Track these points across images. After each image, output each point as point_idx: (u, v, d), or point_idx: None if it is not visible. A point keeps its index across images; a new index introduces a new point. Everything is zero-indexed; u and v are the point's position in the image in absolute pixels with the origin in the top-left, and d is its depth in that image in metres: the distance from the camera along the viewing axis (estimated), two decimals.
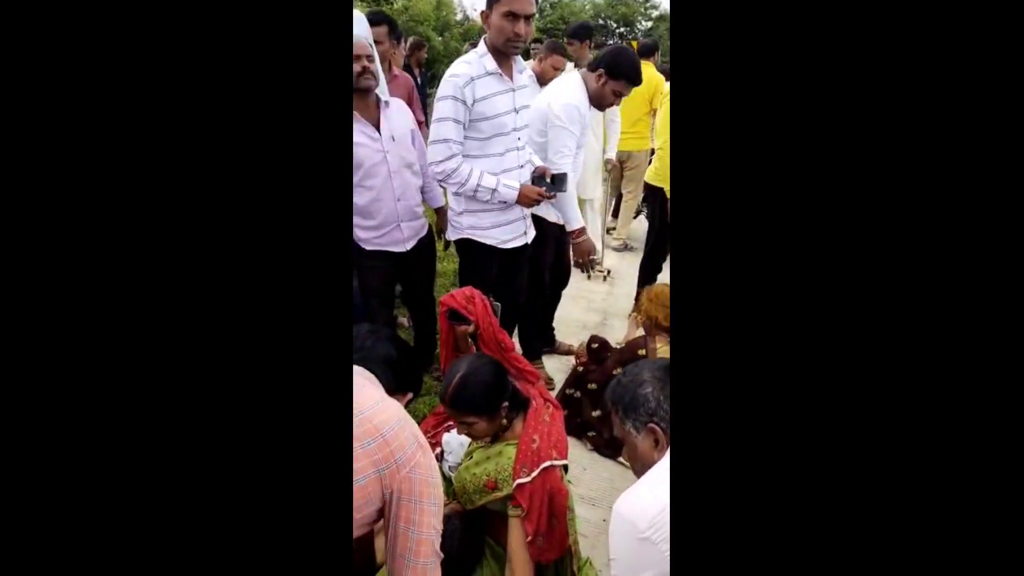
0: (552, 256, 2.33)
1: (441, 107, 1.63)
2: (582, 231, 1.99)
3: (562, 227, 2.27)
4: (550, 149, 1.96)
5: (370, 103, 1.82)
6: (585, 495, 1.82)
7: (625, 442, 1.02)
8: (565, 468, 1.42)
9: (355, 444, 0.85)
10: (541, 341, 2.53)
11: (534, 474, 1.28)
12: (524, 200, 1.76)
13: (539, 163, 1.89)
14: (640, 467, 0.99)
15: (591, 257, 2.05)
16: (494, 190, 1.72)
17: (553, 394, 2.02)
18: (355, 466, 0.85)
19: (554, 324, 2.65)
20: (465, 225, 1.85)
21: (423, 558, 0.90)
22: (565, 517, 1.32)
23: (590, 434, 2.02)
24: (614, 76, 1.93)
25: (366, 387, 0.96)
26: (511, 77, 1.70)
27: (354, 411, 0.88)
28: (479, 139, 1.70)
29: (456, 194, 1.81)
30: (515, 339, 2.46)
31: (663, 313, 1.87)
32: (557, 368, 2.47)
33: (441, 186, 1.99)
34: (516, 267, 2.01)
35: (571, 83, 2.01)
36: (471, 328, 1.55)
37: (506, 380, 1.37)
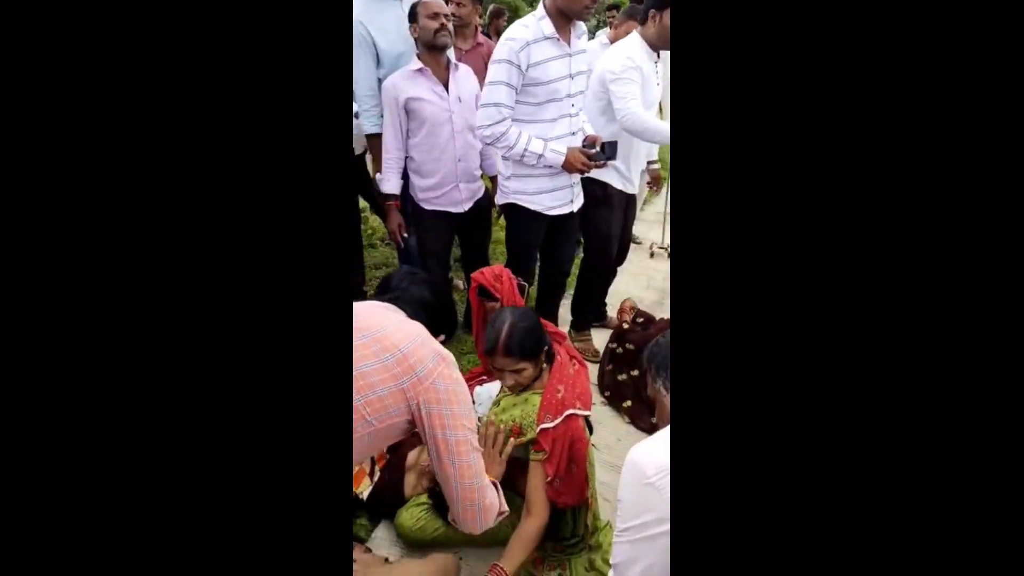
0: (620, 226, 2.34)
1: (495, 70, 1.70)
2: None
3: (629, 196, 2.28)
4: (614, 101, 1.99)
5: (442, 62, 1.95)
6: (615, 464, 1.88)
7: (656, 402, 1.07)
8: (589, 427, 1.49)
9: (374, 359, 0.96)
10: (593, 314, 2.55)
11: (557, 420, 1.39)
12: (569, 166, 1.81)
13: (591, 131, 1.91)
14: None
15: None
16: (540, 155, 1.78)
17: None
18: (375, 379, 0.97)
19: (610, 300, 2.67)
20: (512, 190, 1.93)
21: (464, 456, 1.03)
22: (584, 464, 1.42)
23: (626, 404, 2.06)
24: (664, 4, 1.92)
25: (386, 314, 1.06)
26: (568, 42, 1.73)
27: (373, 330, 0.98)
28: (532, 104, 1.76)
29: (504, 158, 1.88)
30: (562, 309, 2.51)
31: None
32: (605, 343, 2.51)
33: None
34: (562, 235, 2.07)
35: (625, 41, 2.06)
36: (498, 305, 1.64)
37: (543, 326, 1.49)
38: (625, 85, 1.96)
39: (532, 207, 1.91)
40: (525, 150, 1.77)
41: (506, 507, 1.17)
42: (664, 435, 0.90)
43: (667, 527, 0.80)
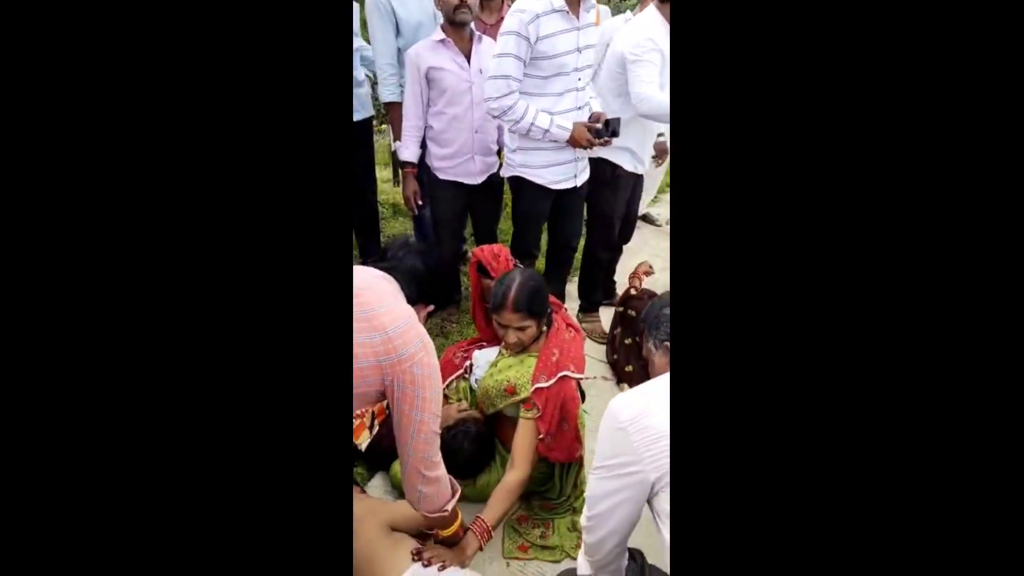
0: (624, 207, 2.38)
1: (504, 42, 1.75)
2: None
3: (637, 176, 2.31)
4: (632, 84, 2.00)
5: (464, 35, 2.03)
6: None
7: (648, 360, 1.14)
8: (581, 392, 1.56)
9: (361, 335, 1.07)
10: (601, 292, 2.60)
11: (551, 381, 1.48)
12: (575, 142, 1.86)
13: (597, 107, 1.94)
14: None
15: None
16: (547, 130, 1.83)
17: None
18: (359, 351, 1.07)
19: (622, 281, 2.69)
20: (517, 162, 1.99)
21: (423, 435, 1.14)
22: (576, 422, 1.52)
23: (628, 368, 2.10)
24: None
25: (385, 291, 1.16)
26: (578, 15, 1.76)
27: (366, 308, 1.08)
28: (539, 77, 1.81)
29: (511, 131, 1.94)
30: (571, 286, 2.56)
31: None
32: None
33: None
34: (568, 211, 2.11)
35: (644, 18, 2.07)
36: (492, 283, 1.70)
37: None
38: (644, 67, 1.97)
39: (538, 181, 1.96)
40: (532, 124, 1.81)
41: (449, 508, 1.25)
42: (643, 388, 0.99)
43: (633, 468, 0.91)
